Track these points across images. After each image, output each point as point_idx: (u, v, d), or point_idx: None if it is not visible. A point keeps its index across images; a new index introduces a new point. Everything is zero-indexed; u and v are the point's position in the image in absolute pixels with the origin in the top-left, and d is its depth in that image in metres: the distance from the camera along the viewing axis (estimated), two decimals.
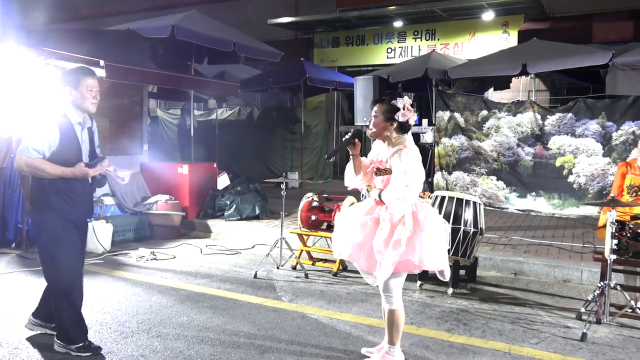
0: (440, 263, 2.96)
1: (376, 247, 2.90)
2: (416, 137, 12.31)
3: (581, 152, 7.83)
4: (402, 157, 2.93)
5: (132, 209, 6.95)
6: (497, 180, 8.50)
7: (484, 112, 8.60)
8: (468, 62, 9.38)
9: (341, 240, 3.09)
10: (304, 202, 5.48)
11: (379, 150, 3.15)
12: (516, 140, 8.34)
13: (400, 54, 12.78)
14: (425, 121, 12.41)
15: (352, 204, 5.26)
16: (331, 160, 3.18)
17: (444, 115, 8.85)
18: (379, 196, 2.97)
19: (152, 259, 5.71)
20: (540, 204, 8.17)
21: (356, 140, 3.08)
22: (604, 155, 7.68)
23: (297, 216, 5.51)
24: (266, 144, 12.10)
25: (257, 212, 7.42)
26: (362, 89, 7.02)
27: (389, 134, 3.03)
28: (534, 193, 8.24)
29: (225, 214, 7.34)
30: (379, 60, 12.97)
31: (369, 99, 6.88)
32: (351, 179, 3.21)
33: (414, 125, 12.32)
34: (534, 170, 8.27)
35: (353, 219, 3.08)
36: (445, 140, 8.85)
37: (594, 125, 7.76)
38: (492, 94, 11.33)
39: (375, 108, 3.07)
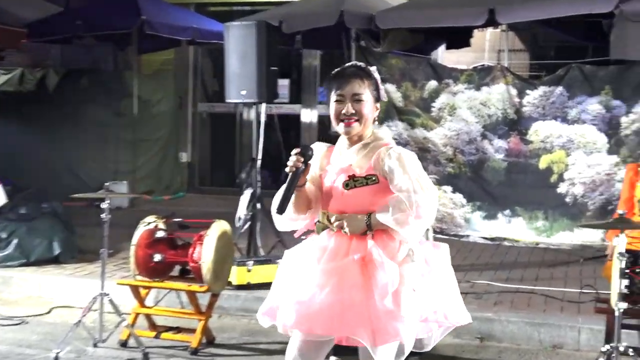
0: (463, 314, 3.31)
1: (382, 305, 3.00)
2: (326, 122, 12.65)
3: (577, 146, 8.43)
4: (404, 157, 3.15)
5: None
6: (453, 191, 8.89)
7: (433, 84, 8.97)
8: (407, 3, 9.75)
9: (296, 305, 3.07)
10: (141, 231, 5.47)
11: (329, 157, 3.32)
12: (481, 128, 8.82)
13: None
14: None
15: (224, 232, 5.32)
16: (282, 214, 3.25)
17: None
18: (368, 222, 3.10)
19: None
20: (517, 228, 8.67)
21: (308, 163, 3.21)
22: (610, 152, 8.33)
23: (130, 256, 5.46)
24: (71, 134, 11.78)
25: (57, 251, 7.34)
26: (238, 42, 7.05)
27: (369, 125, 3.28)
28: (508, 211, 8.73)
29: None
30: None
31: (249, 59, 6.92)
32: (290, 220, 3.32)
33: (322, 102, 12.68)
34: (508, 176, 8.77)
35: (310, 268, 3.15)
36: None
37: (594, 106, 8.40)
38: (443, 55, 11.87)
39: (356, 85, 3.22)
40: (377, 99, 3.28)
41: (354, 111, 3.18)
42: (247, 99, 7.04)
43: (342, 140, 3.29)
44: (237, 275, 6.24)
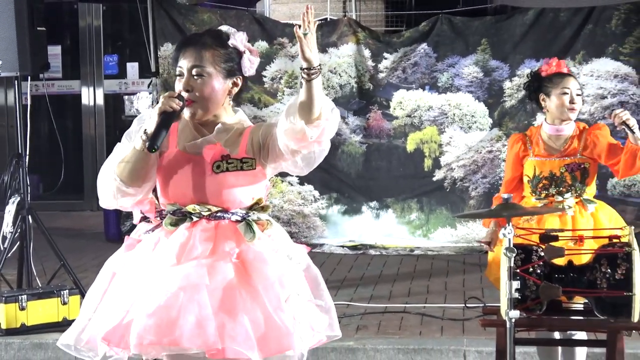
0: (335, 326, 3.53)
1: (272, 306, 3.22)
2: (116, 104, 12.55)
3: (451, 120, 8.94)
4: None
5: None
6: (301, 183, 9.13)
7: (262, 45, 9.20)
8: None
9: (151, 317, 3.17)
10: None
11: (174, 133, 3.46)
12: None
13: None
14: (133, 67, 12.62)
15: None
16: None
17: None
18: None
19: None
20: (387, 225, 9.06)
21: (181, 113, 3.38)
22: (493, 126, 8.90)
23: None
24: None
25: None
26: None
27: (224, 105, 3.50)
28: (374, 203, 9.12)
29: None
30: None
31: (4, 17, 6.86)
32: (121, 192, 3.39)
33: (109, 76, 12.34)
34: (369, 163, 9.16)
35: (165, 268, 3.27)
36: None
37: (470, 68, 8.94)
38: (271, 7, 12.09)
39: (194, 57, 3.41)
40: (231, 74, 3.46)
41: (190, 88, 3.37)
42: (5, 72, 6.95)
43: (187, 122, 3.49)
44: (5, 315, 6.17)
